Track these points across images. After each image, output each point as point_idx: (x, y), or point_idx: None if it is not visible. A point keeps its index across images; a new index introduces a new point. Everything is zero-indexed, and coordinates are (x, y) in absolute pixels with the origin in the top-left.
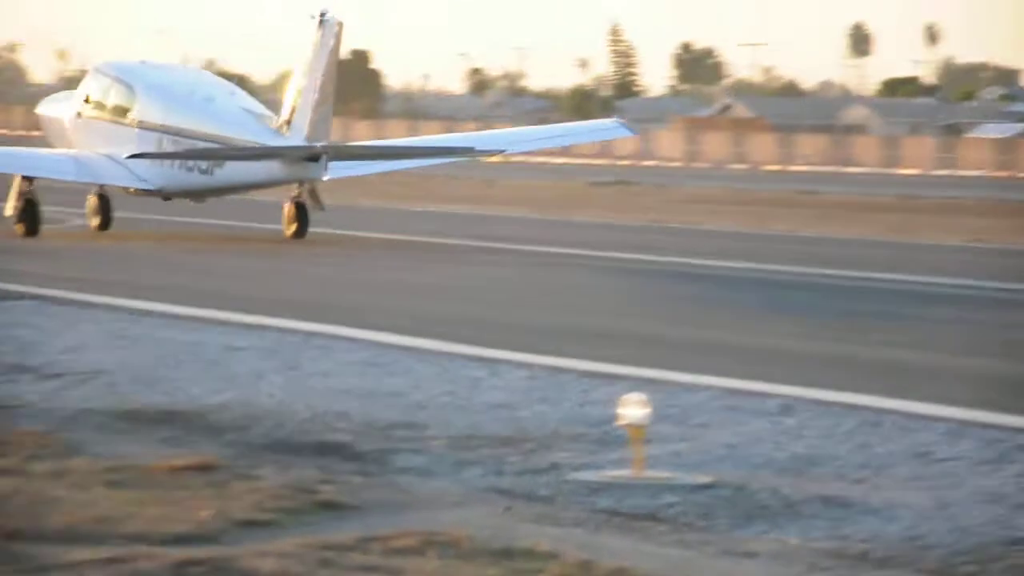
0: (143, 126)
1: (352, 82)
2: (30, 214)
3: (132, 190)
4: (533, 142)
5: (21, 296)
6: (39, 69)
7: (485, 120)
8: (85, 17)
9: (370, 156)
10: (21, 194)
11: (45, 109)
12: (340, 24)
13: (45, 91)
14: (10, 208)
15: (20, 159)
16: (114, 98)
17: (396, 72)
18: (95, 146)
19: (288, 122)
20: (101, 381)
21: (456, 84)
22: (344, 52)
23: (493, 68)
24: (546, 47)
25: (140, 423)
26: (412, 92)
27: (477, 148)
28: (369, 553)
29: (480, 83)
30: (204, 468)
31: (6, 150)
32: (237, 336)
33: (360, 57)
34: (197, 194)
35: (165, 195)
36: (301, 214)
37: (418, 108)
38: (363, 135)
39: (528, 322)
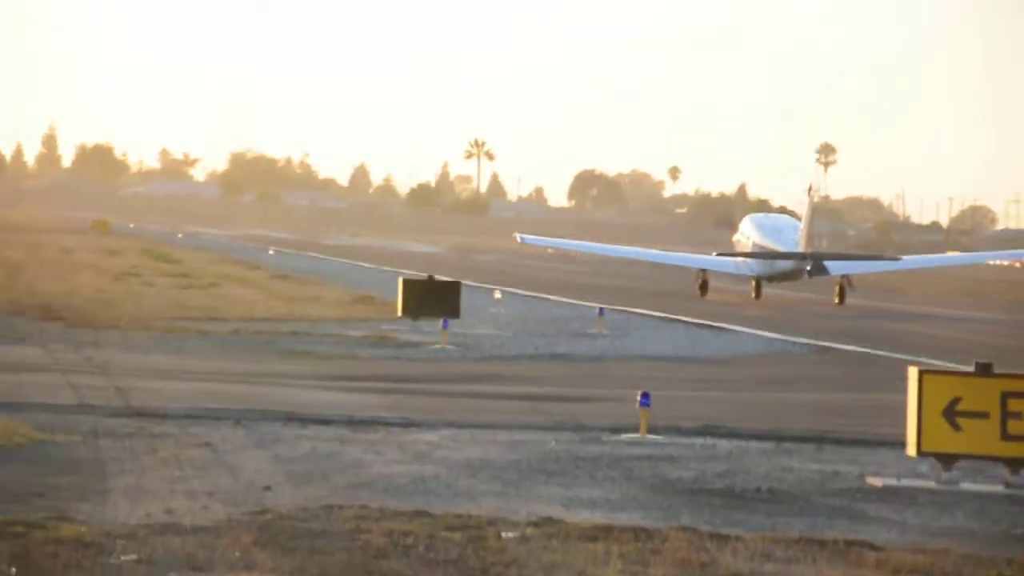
0: (752, 245)
1: None
2: (704, 286)
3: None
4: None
5: None
6: None
7: None
8: None
9: (833, 258)
10: (698, 276)
11: (735, 237)
12: (816, 194)
13: None
14: (696, 283)
15: (706, 262)
16: (747, 231)
17: None
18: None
19: (798, 241)
20: None
21: None
22: None
23: None
24: None
25: None
26: None
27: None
28: None
29: None
30: None
31: (700, 257)
32: None
33: None
34: (774, 279)
35: (766, 279)
36: (842, 291)
37: None
38: None
39: None
